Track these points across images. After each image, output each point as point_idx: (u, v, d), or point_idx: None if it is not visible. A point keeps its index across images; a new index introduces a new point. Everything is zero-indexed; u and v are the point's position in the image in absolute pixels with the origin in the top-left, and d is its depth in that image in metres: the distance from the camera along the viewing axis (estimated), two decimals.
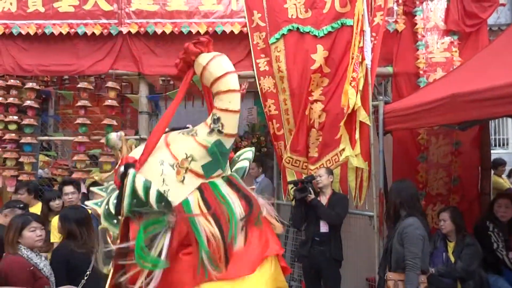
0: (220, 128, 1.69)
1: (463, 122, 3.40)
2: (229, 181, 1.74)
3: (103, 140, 4.76)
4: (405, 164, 4.33)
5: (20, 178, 4.72)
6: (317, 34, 4.43)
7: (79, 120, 4.82)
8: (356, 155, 3.81)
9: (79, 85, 4.81)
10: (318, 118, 4.41)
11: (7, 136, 4.76)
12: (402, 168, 4.32)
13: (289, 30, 4.47)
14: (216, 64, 1.63)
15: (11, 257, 2.40)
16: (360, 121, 3.91)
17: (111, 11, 4.80)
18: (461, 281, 3.29)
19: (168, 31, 4.71)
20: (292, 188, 4.06)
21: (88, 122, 4.87)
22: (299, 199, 3.84)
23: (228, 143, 1.73)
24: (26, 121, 4.78)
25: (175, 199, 1.59)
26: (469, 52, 4.30)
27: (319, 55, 4.40)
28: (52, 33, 4.76)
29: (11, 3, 4.87)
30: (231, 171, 1.83)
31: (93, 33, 4.75)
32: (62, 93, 5.00)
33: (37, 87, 4.89)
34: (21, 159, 4.77)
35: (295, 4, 4.50)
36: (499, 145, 8.43)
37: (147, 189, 1.53)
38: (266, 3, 4.57)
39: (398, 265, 2.94)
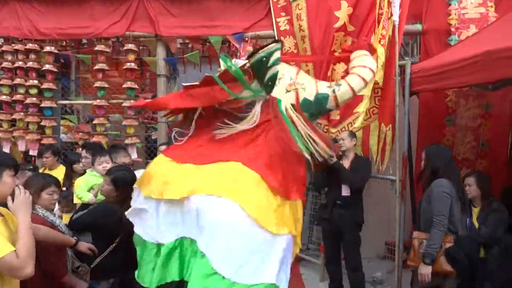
0: (336, 90, 2.43)
1: (498, 81, 3.18)
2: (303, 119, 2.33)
3: (125, 104, 4.76)
4: (431, 128, 4.16)
5: (42, 141, 4.79)
6: None
7: (97, 84, 4.80)
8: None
9: (96, 48, 4.74)
10: (341, 79, 4.22)
11: (28, 100, 4.80)
12: (427, 131, 4.15)
13: None
14: (363, 59, 2.81)
15: None
16: (386, 81, 3.72)
17: None
18: (485, 247, 3.19)
19: None
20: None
21: (106, 85, 4.84)
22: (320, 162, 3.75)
23: (331, 103, 2.41)
24: (45, 85, 4.79)
25: (274, 94, 2.33)
26: (506, 8, 3.96)
27: (343, 12, 4.15)
28: None
29: None
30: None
31: None
32: (79, 57, 4.94)
33: (56, 51, 4.85)
34: (42, 123, 4.82)
35: None
36: None
37: (275, 63, 2.20)
38: None
39: (426, 226, 2.86)
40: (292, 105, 2.39)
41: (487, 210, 3.33)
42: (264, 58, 2.18)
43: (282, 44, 2.31)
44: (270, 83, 2.28)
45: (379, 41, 3.58)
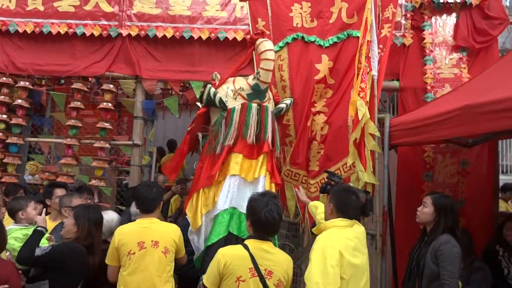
0: (259, 77, 3.46)
1: (477, 136, 3.21)
2: (259, 108, 3.55)
3: (97, 144, 4.56)
4: (410, 182, 4.13)
5: (2, 180, 4.47)
6: (322, 44, 4.29)
7: (70, 122, 4.61)
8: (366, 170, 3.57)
9: (73, 86, 4.62)
10: (320, 130, 4.21)
11: None
12: (407, 186, 4.11)
13: (294, 38, 4.34)
14: (263, 44, 3.50)
15: None
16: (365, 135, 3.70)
17: (112, 13, 4.69)
18: None
19: (169, 35, 4.57)
20: (327, 177, 3.68)
21: (80, 124, 4.67)
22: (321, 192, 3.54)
23: (262, 86, 3.50)
24: (14, 121, 4.58)
25: (229, 105, 3.53)
26: (478, 69, 4.16)
27: (323, 65, 4.24)
28: (50, 32, 4.63)
29: (10, 1, 4.76)
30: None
31: (92, 34, 4.62)
32: (52, 94, 4.79)
33: (30, 86, 4.70)
34: (5, 160, 4.53)
35: (300, 13, 4.38)
36: (504, 172, 8.23)
37: (215, 94, 3.52)
38: (271, 11, 4.45)
39: (429, 285, 2.65)
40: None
41: (469, 269, 3.21)
42: (208, 97, 3.54)
43: (211, 81, 3.70)
44: (221, 104, 3.52)
45: (358, 94, 3.61)
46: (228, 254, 2.31)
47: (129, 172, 4.90)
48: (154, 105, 4.80)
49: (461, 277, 3.03)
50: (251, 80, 3.57)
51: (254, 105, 3.54)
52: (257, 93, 3.53)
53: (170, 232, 2.89)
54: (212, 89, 3.53)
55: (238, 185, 3.44)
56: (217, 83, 3.70)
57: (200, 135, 3.73)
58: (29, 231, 2.84)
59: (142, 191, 2.93)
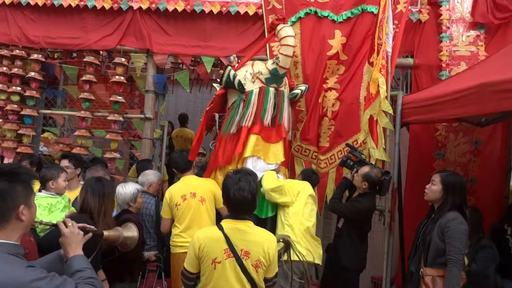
0: (278, 62, 3.53)
1: (490, 114, 3.16)
2: (276, 92, 3.63)
3: (110, 117, 4.61)
4: (421, 160, 4.11)
5: (18, 150, 4.57)
6: (335, 19, 4.23)
7: (83, 95, 4.65)
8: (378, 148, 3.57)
9: (85, 59, 4.64)
10: (331, 106, 4.20)
11: (8, 107, 4.61)
12: (417, 164, 4.10)
13: (307, 13, 4.28)
14: (284, 30, 3.54)
15: None
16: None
17: None
18: (475, 285, 3.06)
19: (180, 9, 4.52)
20: (349, 151, 3.70)
21: (92, 97, 4.70)
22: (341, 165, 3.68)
23: (281, 71, 3.55)
24: (28, 93, 4.63)
25: (247, 88, 3.59)
26: (496, 47, 4.03)
27: (336, 41, 4.19)
28: (61, 5, 4.62)
29: None
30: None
31: (103, 7, 4.59)
32: (65, 68, 4.80)
33: (42, 59, 4.73)
34: (20, 131, 4.62)
35: None
36: None
37: (234, 76, 3.58)
38: None
39: (434, 261, 2.68)
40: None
41: (476, 247, 3.24)
42: (227, 79, 3.58)
43: (230, 65, 3.73)
44: (240, 86, 3.58)
45: (380, 71, 3.56)
46: (202, 237, 2.23)
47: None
48: (165, 79, 4.80)
49: (467, 254, 3.09)
50: (270, 64, 3.62)
51: (272, 89, 3.60)
52: (275, 77, 3.58)
53: (207, 185, 3.54)
54: (232, 71, 3.57)
55: (256, 166, 3.48)
56: (236, 65, 3.73)
57: (217, 115, 3.79)
58: (54, 201, 2.92)
59: (177, 156, 3.64)
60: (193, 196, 3.42)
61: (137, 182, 3.62)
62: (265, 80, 3.58)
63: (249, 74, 3.61)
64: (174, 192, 3.47)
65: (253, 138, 3.53)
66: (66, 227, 1.79)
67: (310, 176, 3.66)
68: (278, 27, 3.57)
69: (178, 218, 3.41)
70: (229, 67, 3.62)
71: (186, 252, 2.38)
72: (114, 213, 3.04)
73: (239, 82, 3.55)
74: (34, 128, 4.73)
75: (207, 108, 3.80)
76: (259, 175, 3.31)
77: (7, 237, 1.51)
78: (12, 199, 1.53)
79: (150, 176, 3.74)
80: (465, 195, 2.81)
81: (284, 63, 3.51)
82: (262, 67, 3.63)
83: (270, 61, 3.69)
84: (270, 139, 3.58)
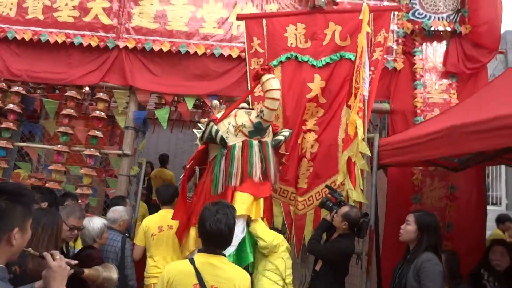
0: (262, 116, 3.39)
1: (462, 155, 3.23)
2: (260, 144, 3.48)
3: (87, 152, 4.53)
4: (399, 204, 4.12)
5: None
6: (315, 64, 4.38)
7: (61, 129, 4.60)
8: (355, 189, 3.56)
9: (66, 94, 4.64)
10: (310, 148, 4.24)
11: None
12: (395, 207, 4.11)
13: (288, 57, 4.42)
14: (270, 82, 3.41)
15: None
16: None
17: (110, 25, 4.77)
18: None
19: (165, 49, 4.64)
20: (329, 192, 3.65)
21: (71, 131, 4.65)
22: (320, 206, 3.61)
23: (265, 124, 3.43)
24: (4, 125, 4.56)
25: (230, 142, 3.42)
26: (468, 95, 4.21)
27: (316, 84, 4.31)
28: (48, 41, 4.69)
29: (10, 9, 4.84)
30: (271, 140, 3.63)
31: (89, 45, 4.68)
32: (44, 102, 4.78)
33: (23, 92, 4.71)
34: None
35: (295, 34, 4.48)
36: (494, 203, 8.23)
37: (216, 132, 3.36)
38: (266, 31, 4.54)
39: None
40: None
41: None
42: (209, 135, 3.40)
43: (214, 122, 3.45)
44: (222, 142, 3.40)
45: (357, 113, 3.64)
46: (173, 271, 2.18)
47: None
48: (145, 116, 4.80)
49: None
50: (253, 117, 3.47)
51: (255, 142, 3.46)
52: (259, 130, 3.46)
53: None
54: (214, 127, 3.37)
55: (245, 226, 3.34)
56: (216, 111, 3.67)
57: (197, 168, 3.70)
58: None
59: (162, 189, 3.88)
60: (170, 229, 3.54)
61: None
62: (248, 133, 3.44)
63: (232, 126, 3.45)
64: (152, 222, 3.63)
65: (239, 196, 3.31)
66: (54, 259, 1.66)
67: None
68: (264, 78, 3.41)
69: (152, 248, 3.51)
70: (212, 123, 3.40)
71: None
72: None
73: (221, 138, 3.36)
74: (7, 161, 4.61)
75: (188, 166, 3.59)
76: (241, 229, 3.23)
77: None
78: (9, 220, 1.43)
79: (123, 213, 3.61)
80: (440, 235, 2.78)
81: (269, 117, 3.38)
82: (246, 120, 3.46)
83: (253, 113, 3.51)
84: (259, 194, 3.40)
